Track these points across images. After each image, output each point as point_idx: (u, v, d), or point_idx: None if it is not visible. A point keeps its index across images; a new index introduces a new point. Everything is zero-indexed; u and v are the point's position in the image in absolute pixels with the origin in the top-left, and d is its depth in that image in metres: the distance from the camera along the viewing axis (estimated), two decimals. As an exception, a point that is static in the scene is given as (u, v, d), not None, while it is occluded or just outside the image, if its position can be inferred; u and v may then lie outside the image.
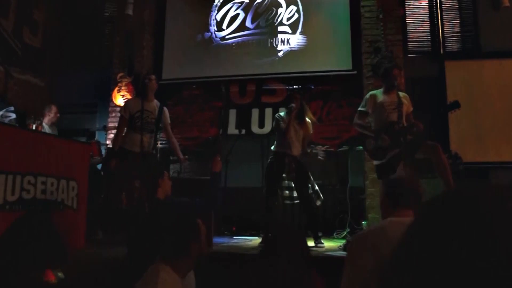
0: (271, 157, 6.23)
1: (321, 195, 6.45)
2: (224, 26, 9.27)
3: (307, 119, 6.17)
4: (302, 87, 8.57)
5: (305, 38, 8.85)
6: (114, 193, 5.88)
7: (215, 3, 9.41)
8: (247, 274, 2.75)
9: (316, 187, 6.22)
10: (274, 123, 6.36)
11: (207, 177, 6.73)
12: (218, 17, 9.34)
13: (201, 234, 2.78)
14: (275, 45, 8.93)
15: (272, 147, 6.27)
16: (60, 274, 2.25)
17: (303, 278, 2.84)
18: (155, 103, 6.10)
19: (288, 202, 6.73)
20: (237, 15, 9.25)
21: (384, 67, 6.16)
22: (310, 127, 6.19)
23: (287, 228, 3.49)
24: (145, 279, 2.58)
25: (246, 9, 9.24)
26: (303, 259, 2.96)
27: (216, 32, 9.28)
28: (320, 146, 7.65)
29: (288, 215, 7.21)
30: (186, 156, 6.52)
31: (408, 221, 0.86)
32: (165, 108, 6.22)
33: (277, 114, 6.38)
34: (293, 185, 6.35)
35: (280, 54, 8.83)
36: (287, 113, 6.12)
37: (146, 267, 2.76)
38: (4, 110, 5.93)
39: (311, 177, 6.14)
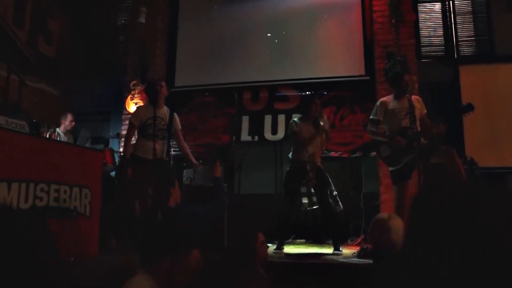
0: (289, 165, 6.19)
1: (339, 202, 6.40)
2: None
3: (324, 123, 6.14)
4: (315, 93, 8.56)
5: (314, 43, 8.84)
6: (128, 201, 5.88)
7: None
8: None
9: (335, 193, 6.16)
10: (288, 129, 6.33)
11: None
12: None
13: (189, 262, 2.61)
14: (288, 50, 8.93)
15: (290, 155, 6.23)
16: None
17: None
18: (166, 109, 6.11)
19: (307, 208, 6.68)
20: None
21: (394, 72, 6.12)
22: (327, 131, 6.16)
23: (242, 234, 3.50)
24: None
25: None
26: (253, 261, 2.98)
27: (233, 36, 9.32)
28: (334, 152, 7.63)
29: (307, 222, 7.19)
30: (201, 161, 6.51)
31: None
32: (175, 114, 6.23)
33: (292, 120, 6.34)
34: (312, 191, 6.28)
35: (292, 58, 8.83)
36: (301, 119, 6.10)
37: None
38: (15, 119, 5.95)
39: (331, 183, 6.07)
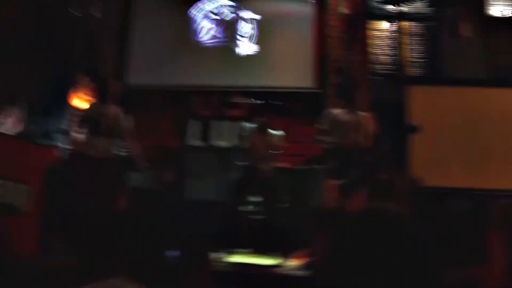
0: (238, 171, 6.17)
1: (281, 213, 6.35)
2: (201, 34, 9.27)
3: (274, 132, 6.15)
4: (265, 103, 8.58)
5: (264, 53, 8.89)
6: (72, 200, 5.74)
7: (192, 15, 9.36)
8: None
9: (280, 204, 6.15)
10: (239, 137, 6.33)
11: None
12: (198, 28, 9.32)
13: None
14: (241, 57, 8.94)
15: (240, 162, 6.21)
16: None
17: None
18: (116, 107, 5.99)
19: (253, 217, 6.61)
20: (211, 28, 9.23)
21: (346, 87, 6.21)
22: (278, 139, 6.17)
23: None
24: None
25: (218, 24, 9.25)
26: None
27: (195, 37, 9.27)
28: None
29: (251, 230, 7.17)
30: (144, 163, 6.41)
31: None
32: (125, 114, 6.10)
33: (243, 126, 6.33)
34: (259, 199, 6.26)
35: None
36: (253, 127, 6.10)
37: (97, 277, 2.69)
38: None
39: (277, 193, 6.08)
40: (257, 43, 8.98)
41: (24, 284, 3.88)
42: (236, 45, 9.06)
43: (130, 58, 9.31)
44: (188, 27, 9.31)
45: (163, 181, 4.34)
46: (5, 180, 4.74)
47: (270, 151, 6.07)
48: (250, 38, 9.02)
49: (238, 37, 9.08)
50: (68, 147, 6.16)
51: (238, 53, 8.99)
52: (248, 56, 8.94)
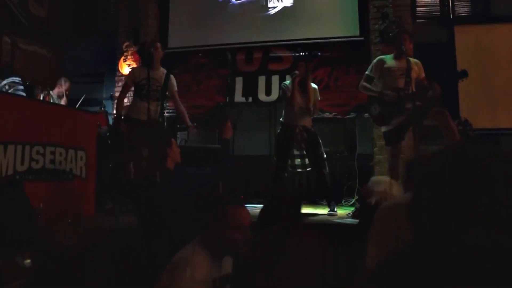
0: (280, 128, 6.17)
1: (326, 165, 6.32)
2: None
3: (313, 85, 6.10)
4: (309, 54, 8.52)
5: (307, 3, 8.78)
6: (122, 163, 5.88)
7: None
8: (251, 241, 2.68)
9: (324, 156, 6.13)
10: (280, 92, 6.30)
11: (214, 145, 6.70)
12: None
13: (235, 219, 2.59)
14: (281, 11, 8.87)
15: (281, 118, 6.21)
16: (27, 261, 2.20)
17: (299, 243, 2.86)
18: (162, 71, 6.04)
19: (300, 170, 6.60)
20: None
21: (392, 32, 6.08)
22: (317, 93, 6.12)
23: (282, 196, 3.38)
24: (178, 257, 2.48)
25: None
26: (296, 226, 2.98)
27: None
28: (328, 114, 7.64)
29: (299, 183, 7.24)
30: (195, 124, 6.48)
31: None
32: (171, 76, 6.15)
33: (283, 83, 6.31)
34: (304, 152, 6.24)
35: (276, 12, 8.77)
36: (291, 81, 6.06)
37: (157, 238, 2.76)
38: (9, 79, 5.89)
39: (321, 146, 6.05)
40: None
41: (84, 241, 4.03)
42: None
43: (171, 20, 9.34)
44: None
45: (224, 138, 4.29)
46: (62, 148, 4.90)
47: (308, 104, 6.01)
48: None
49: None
50: (116, 112, 6.26)
51: (276, 7, 8.89)
52: (286, 8, 8.84)
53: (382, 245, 2.43)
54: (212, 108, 8.74)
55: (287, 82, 6.21)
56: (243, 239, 2.55)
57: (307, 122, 5.99)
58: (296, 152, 6.25)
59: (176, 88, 6.22)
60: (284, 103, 6.20)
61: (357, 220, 4.88)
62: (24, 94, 6.15)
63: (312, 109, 6.00)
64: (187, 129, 6.37)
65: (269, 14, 8.90)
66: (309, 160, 6.16)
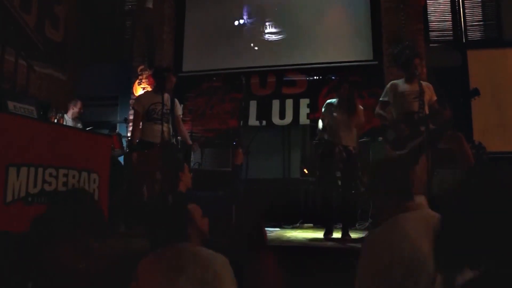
0: (322, 145, 6.10)
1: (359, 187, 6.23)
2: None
3: (359, 107, 6.06)
4: (323, 78, 8.55)
5: (321, 28, 8.83)
6: (136, 186, 5.90)
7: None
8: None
9: (359, 180, 6.06)
10: (323, 110, 6.21)
11: (228, 168, 6.72)
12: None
13: (196, 219, 2.77)
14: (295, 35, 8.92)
15: (325, 136, 6.14)
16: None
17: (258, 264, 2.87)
18: (167, 95, 6.11)
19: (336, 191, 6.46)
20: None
21: (405, 56, 6.08)
22: (361, 114, 6.08)
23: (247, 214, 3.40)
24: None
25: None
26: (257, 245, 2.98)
27: (247, 19, 9.30)
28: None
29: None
30: (196, 143, 6.53)
31: (422, 213, 0.99)
32: (176, 100, 6.23)
33: (326, 102, 6.24)
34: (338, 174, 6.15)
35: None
36: (337, 103, 6.02)
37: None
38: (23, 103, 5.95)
39: (359, 169, 6.01)
40: (310, 18, 8.91)
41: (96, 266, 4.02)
42: (291, 22, 9.02)
43: (185, 44, 9.43)
44: (238, 9, 9.32)
45: (236, 163, 4.31)
46: (75, 170, 4.91)
47: (356, 124, 5.97)
48: (306, 14, 8.96)
49: (292, 14, 9.04)
50: (129, 135, 6.31)
51: (293, 31, 8.95)
52: (303, 32, 8.89)
53: (372, 276, 2.33)
54: (225, 132, 8.77)
55: (331, 100, 6.15)
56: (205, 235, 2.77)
57: (349, 143, 5.93)
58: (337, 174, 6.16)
59: (180, 112, 6.36)
60: (326, 122, 6.13)
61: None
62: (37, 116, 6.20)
63: (355, 129, 5.98)
64: (190, 148, 6.43)
65: (283, 38, 8.96)
66: (341, 182, 6.04)
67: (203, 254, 2.57)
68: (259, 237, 3.14)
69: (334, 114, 5.92)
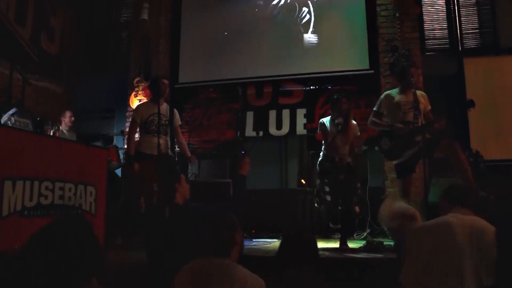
0: (322, 156, 6.08)
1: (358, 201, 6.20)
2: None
3: (353, 122, 6.07)
4: (320, 87, 8.55)
5: (316, 37, 8.83)
6: (133, 198, 5.88)
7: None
8: (266, 276, 2.70)
9: (359, 191, 6.04)
10: (319, 129, 6.20)
11: (225, 179, 6.69)
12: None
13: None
14: (291, 45, 8.93)
15: (323, 150, 6.13)
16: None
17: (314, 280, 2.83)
18: (166, 106, 6.11)
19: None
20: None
21: (400, 65, 6.09)
22: (356, 129, 6.09)
23: (299, 229, 3.34)
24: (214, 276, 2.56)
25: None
26: (313, 261, 2.93)
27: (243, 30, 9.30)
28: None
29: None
30: (194, 156, 6.52)
31: (468, 219, 1.04)
32: (175, 110, 6.24)
33: (320, 120, 6.22)
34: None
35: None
36: (331, 120, 6.02)
37: (168, 271, 2.74)
38: (10, 112, 5.90)
39: (358, 181, 5.99)
40: (307, 28, 8.92)
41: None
42: (287, 32, 9.02)
43: (182, 56, 9.44)
44: (234, 19, 9.34)
45: (240, 174, 4.21)
46: (72, 183, 4.88)
47: (351, 138, 5.97)
48: (301, 23, 8.96)
49: (288, 23, 9.05)
50: (126, 149, 6.30)
51: (289, 40, 8.96)
52: (298, 42, 8.90)
53: (417, 262, 2.79)
54: (222, 142, 8.76)
55: (325, 119, 6.14)
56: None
57: (346, 157, 5.93)
58: (326, 189, 6.12)
59: (180, 122, 6.35)
60: (324, 140, 6.13)
61: (369, 254, 4.84)
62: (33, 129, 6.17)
63: (350, 145, 5.99)
64: (187, 160, 6.42)
65: (279, 48, 8.96)
66: (342, 192, 6.00)
67: (241, 273, 2.56)
68: (312, 249, 3.03)
69: (330, 129, 5.94)
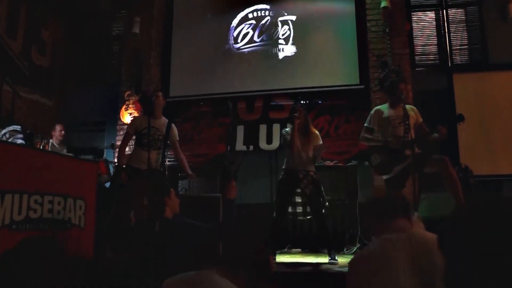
0: (282, 174, 6.12)
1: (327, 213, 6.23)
2: (239, 40, 9.31)
3: (314, 131, 6.10)
4: (310, 102, 8.57)
5: (307, 52, 8.92)
6: (123, 211, 5.85)
7: (232, 25, 9.44)
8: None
9: (327, 204, 6.07)
10: (281, 139, 6.30)
11: (215, 194, 6.69)
12: (235, 34, 9.37)
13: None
14: (282, 60, 8.97)
15: (283, 165, 6.17)
16: None
17: None
18: (163, 120, 6.09)
19: (301, 218, 6.47)
20: (247, 32, 9.28)
21: (389, 81, 6.14)
22: (318, 138, 6.10)
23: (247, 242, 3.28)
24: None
25: (253, 28, 9.28)
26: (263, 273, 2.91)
27: (233, 45, 9.33)
28: (329, 162, 7.65)
29: (303, 231, 7.19)
30: (195, 172, 6.48)
31: (403, 236, 1.00)
32: (173, 125, 6.21)
33: (283, 130, 6.32)
34: (306, 200, 6.14)
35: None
36: (291, 127, 6.05)
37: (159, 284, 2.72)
38: (9, 128, 5.90)
39: (323, 193, 6.01)
40: (297, 43, 8.96)
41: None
42: (275, 48, 9.05)
43: (173, 69, 9.44)
44: (225, 34, 9.37)
45: (228, 197, 4.11)
46: (61, 197, 4.86)
47: (313, 147, 6.01)
48: (289, 39, 9.00)
49: (277, 39, 9.08)
50: (117, 161, 6.28)
51: (277, 56, 8.99)
52: (287, 57, 8.94)
53: None
54: (213, 157, 8.75)
55: (288, 128, 6.19)
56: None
57: (309, 168, 5.96)
58: (298, 200, 6.17)
59: (177, 137, 6.29)
60: (286, 150, 6.18)
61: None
62: (23, 142, 6.15)
63: (313, 154, 6.00)
64: (188, 177, 6.38)
65: (270, 63, 9.00)
66: (310, 208, 6.06)
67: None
68: (266, 265, 3.02)
69: (288, 138, 5.97)
